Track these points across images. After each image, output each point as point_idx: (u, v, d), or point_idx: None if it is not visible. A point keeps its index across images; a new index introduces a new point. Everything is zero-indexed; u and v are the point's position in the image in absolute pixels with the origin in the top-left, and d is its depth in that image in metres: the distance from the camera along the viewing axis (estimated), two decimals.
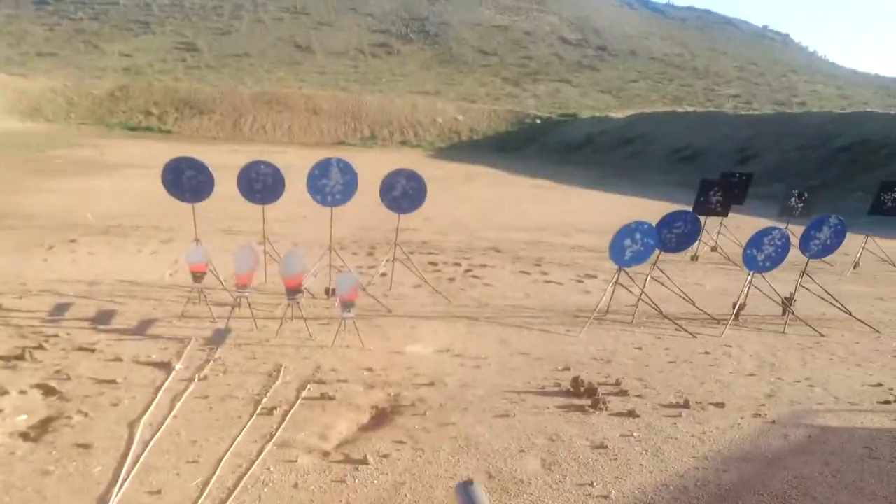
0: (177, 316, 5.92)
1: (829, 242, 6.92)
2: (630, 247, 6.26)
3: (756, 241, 6.54)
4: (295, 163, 12.07)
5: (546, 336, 6.11)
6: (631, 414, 4.49)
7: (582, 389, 4.79)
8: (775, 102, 55.54)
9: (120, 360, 4.88)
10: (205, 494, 3.26)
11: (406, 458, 3.72)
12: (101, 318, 5.77)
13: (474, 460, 3.75)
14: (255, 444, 3.78)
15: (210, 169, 6.28)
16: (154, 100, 41.61)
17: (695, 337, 6.34)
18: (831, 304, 7.50)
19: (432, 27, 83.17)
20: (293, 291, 5.48)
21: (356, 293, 5.41)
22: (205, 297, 6.13)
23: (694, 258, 10.09)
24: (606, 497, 3.47)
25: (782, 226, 7.71)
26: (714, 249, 10.59)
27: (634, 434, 4.20)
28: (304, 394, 4.48)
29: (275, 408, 4.24)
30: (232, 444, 3.75)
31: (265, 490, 3.35)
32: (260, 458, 3.62)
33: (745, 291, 6.82)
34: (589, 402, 4.62)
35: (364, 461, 3.65)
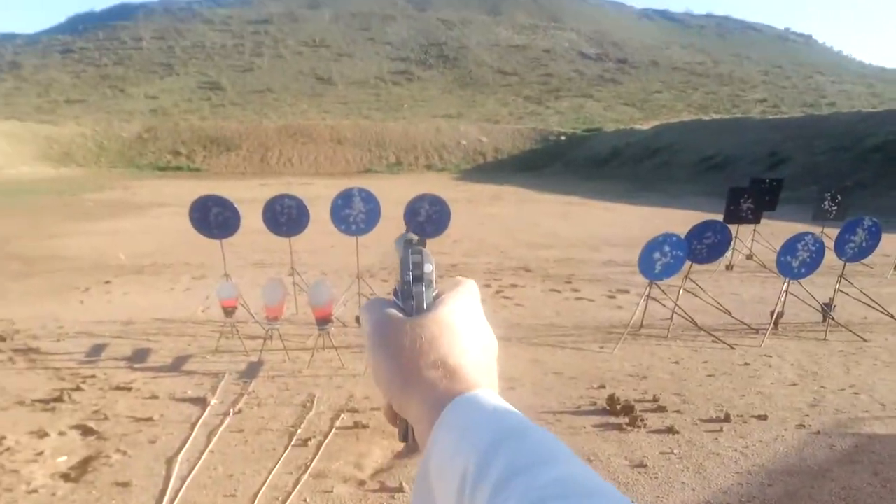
0: (210, 351, 5.98)
1: (864, 245, 6.76)
2: (659, 259, 6.17)
3: (790, 248, 6.41)
4: (322, 193, 12.19)
5: (579, 354, 6.04)
6: (670, 430, 4.39)
7: (618, 407, 4.71)
8: (804, 104, 54.88)
9: (156, 397, 4.93)
10: None
11: None
12: (137, 357, 5.84)
13: None
14: (290, 476, 3.77)
15: (235, 205, 6.36)
16: (182, 139, 42.53)
17: (733, 348, 6.21)
18: (872, 307, 7.31)
19: (451, 51, 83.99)
20: (323, 321, 5.49)
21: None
22: (237, 331, 6.18)
23: (729, 267, 9.93)
24: None
25: (817, 230, 7.57)
26: (749, 257, 10.41)
27: (675, 451, 4.11)
28: (337, 423, 4.47)
29: (309, 438, 4.24)
30: (268, 476, 3.75)
31: None
32: (296, 490, 3.61)
33: (783, 299, 6.67)
34: (626, 419, 4.53)
35: (400, 489, 3.62)
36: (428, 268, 0.61)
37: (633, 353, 6.04)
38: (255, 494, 3.56)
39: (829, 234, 7.79)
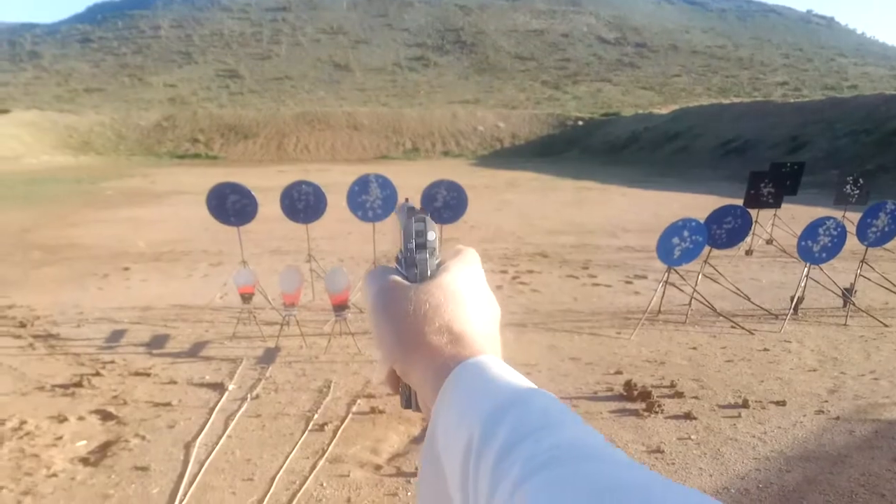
0: (228, 337, 6.02)
1: (886, 229, 6.64)
2: (678, 245, 6.11)
3: (811, 232, 6.32)
4: (339, 180, 12.20)
5: (596, 340, 6.01)
6: (688, 416, 4.36)
7: (635, 393, 4.68)
8: (825, 87, 54.03)
9: (175, 382, 4.98)
10: None
11: None
12: (156, 343, 5.90)
13: None
14: (307, 461, 3.79)
15: (252, 192, 6.37)
16: (200, 127, 42.76)
17: (752, 334, 6.15)
18: (894, 292, 7.20)
19: (468, 37, 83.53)
20: (340, 307, 5.51)
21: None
22: (254, 317, 6.22)
23: (749, 252, 9.82)
24: None
25: (838, 214, 7.45)
26: (769, 242, 10.29)
27: (692, 437, 4.08)
28: (354, 408, 4.49)
29: (326, 423, 4.25)
30: (285, 461, 3.78)
31: None
32: (313, 475, 3.63)
33: (803, 284, 6.59)
34: (643, 405, 4.51)
35: (416, 474, 3.62)
36: (431, 236, 0.61)
37: (650, 339, 6.00)
38: (273, 478, 3.59)
39: (851, 218, 7.67)
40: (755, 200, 8.59)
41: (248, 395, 4.69)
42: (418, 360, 0.54)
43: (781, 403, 4.56)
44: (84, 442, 4.04)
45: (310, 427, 4.20)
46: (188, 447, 3.95)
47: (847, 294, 6.74)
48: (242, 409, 4.48)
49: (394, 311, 0.57)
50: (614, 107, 48.64)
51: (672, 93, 57.00)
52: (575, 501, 0.34)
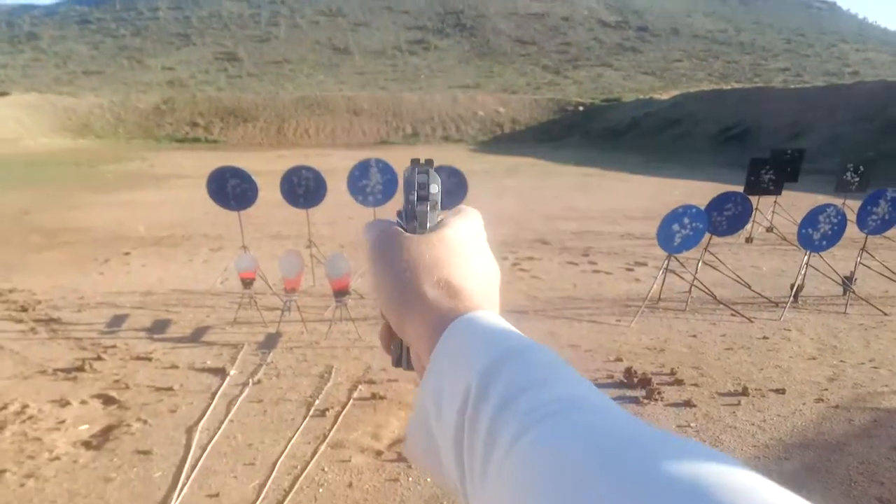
0: (229, 322, 6.03)
1: (887, 217, 6.63)
2: (679, 232, 6.10)
3: (811, 220, 6.31)
4: (338, 165, 12.18)
5: (596, 327, 6.03)
6: (687, 404, 4.38)
7: (635, 380, 4.70)
8: (826, 74, 53.78)
9: (176, 367, 4.99)
10: (262, 496, 3.31)
11: None
12: (157, 328, 5.91)
13: None
14: (309, 446, 3.81)
15: (252, 177, 6.36)
16: (199, 111, 42.54)
17: (752, 321, 6.16)
18: (894, 280, 7.21)
19: (468, 20, 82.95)
20: (340, 293, 5.51)
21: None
22: (255, 302, 6.22)
23: (749, 240, 9.82)
24: None
25: (839, 201, 7.45)
26: (770, 230, 10.29)
27: (691, 424, 4.11)
28: (355, 394, 4.51)
29: (327, 409, 4.27)
30: (287, 445, 3.80)
31: (320, 490, 3.38)
32: (314, 459, 3.65)
33: (803, 272, 6.60)
34: (643, 392, 4.53)
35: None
36: (434, 188, 0.59)
37: (650, 327, 6.01)
38: (274, 463, 3.61)
39: (852, 206, 7.67)
40: (755, 187, 8.58)
41: (250, 381, 4.71)
42: (414, 312, 0.53)
43: (781, 391, 4.58)
44: (86, 426, 4.06)
45: (311, 412, 4.22)
46: (190, 431, 3.97)
47: (847, 282, 6.75)
48: (244, 394, 4.50)
49: (392, 260, 0.55)
50: (615, 92, 48.41)
51: (673, 78, 56.73)
52: (574, 453, 0.34)
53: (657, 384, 4.65)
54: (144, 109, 42.39)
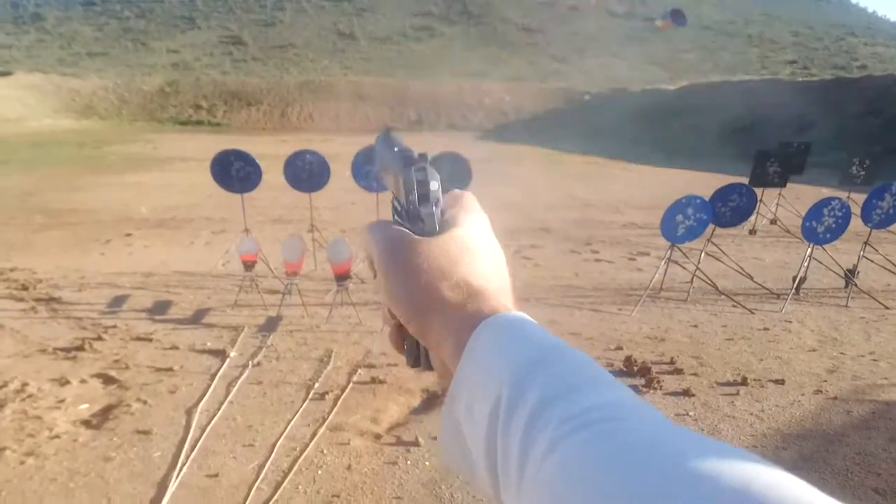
0: (230, 305, 6.03)
1: (891, 211, 6.60)
2: (682, 222, 6.08)
3: (815, 213, 6.29)
4: (342, 150, 12.13)
5: (597, 316, 6.02)
6: (686, 393, 4.38)
7: (635, 369, 4.70)
8: (834, 67, 53.38)
9: (176, 348, 5.00)
10: (261, 477, 3.32)
11: None
12: (158, 309, 5.92)
13: None
14: (308, 428, 3.82)
15: (256, 160, 6.34)
16: (203, 94, 42.41)
17: (753, 313, 6.15)
18: None
19: (475, 7, 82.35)
20: (342, 278, 5.51)
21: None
22: (256, 285, 6.22)
23: (752, 232, 9.79)
24: None
25: (843, 195, 7.41)
26: (773, 222, 10.26)
27: (690, 413, 4.11)
28: (355, 378, 4.51)
29: (327, 392, 4.28)
30: (286, 427, 3.81)
31: (319, 472, 3.39)
32: (313, 442, 3.66)
33: (806, 264, 6.58)
34: (643, 381, 4.53)
35: (415, 443, 3.66)
36: (434, 185, 0.57)
37: (651, 316, 6.01)
38: (273, 445, 3.62)
39: (856, 199, 7.63)
40: (761, 179, 8.55)
41: (250, 363, 4.72)
42: (436, 318, 0.52)
43: (780, 382, 4.58)
44: (86, 405, 4.07)
45: (311, 395, 4.23)
46: (189, 412, 3.98)
47: (849, 275, 6.74)
48: (244, 376, 4.51)
49: (405, 266, 0.53)
50: (622, 82, 48.08)
51: (680, 69, 56.35)
52: (608, 461, 0.34)
53: (657, 373, 4.65)
54: (148, 92, 42.29)
